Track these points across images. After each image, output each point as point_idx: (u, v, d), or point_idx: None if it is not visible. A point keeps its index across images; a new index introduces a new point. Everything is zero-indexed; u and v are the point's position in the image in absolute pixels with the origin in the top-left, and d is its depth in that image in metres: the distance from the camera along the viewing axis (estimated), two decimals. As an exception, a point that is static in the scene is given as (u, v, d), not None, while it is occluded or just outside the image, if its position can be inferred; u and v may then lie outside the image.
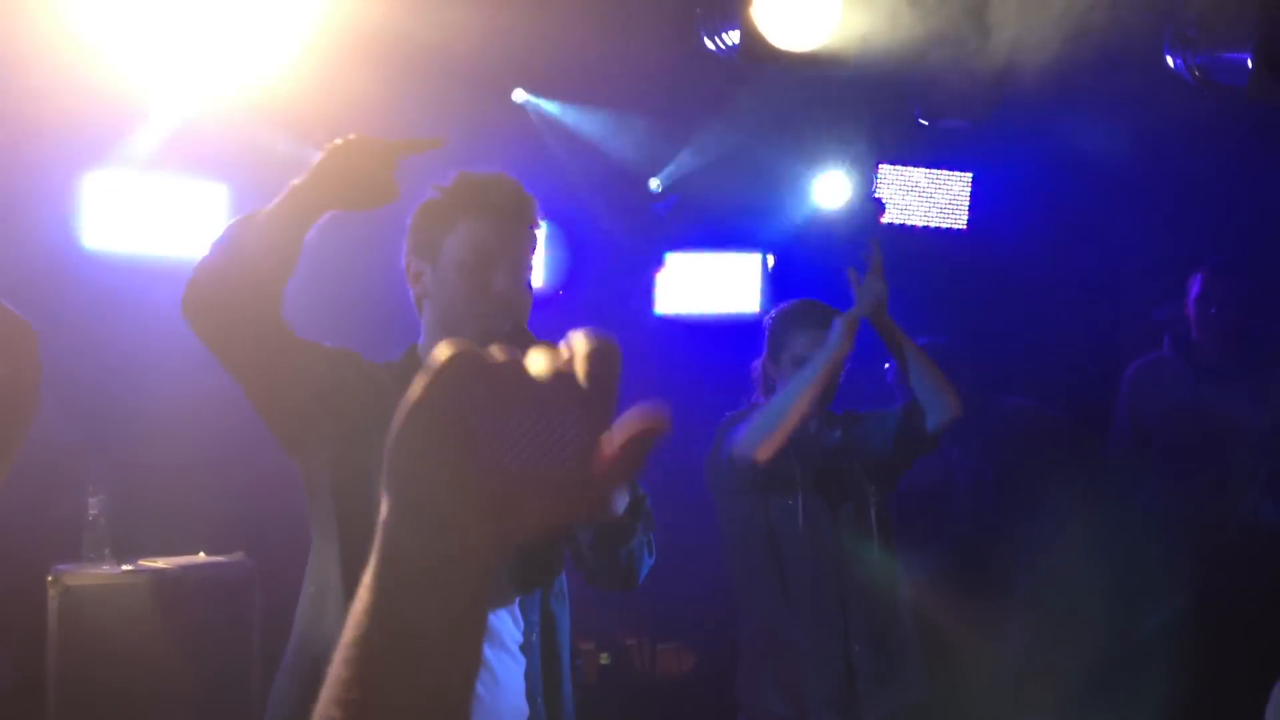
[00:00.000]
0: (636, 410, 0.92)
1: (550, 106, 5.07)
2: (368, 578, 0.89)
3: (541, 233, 2.44)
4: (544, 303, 5.48)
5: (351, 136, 2.20)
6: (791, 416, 3.20)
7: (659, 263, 5.83)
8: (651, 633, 5.58)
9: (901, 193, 6.09)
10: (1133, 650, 4.24)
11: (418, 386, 0.91)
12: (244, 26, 4.01)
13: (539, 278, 5.39)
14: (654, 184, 5.54)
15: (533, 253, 2.39)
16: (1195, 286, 4.68)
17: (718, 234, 5.89)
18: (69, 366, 4.54)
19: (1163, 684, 3.84)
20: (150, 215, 4.71)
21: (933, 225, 6.14)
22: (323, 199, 2.17)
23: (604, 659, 5.36)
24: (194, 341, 4.70)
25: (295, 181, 2.21)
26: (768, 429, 3.21)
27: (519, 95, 5.10)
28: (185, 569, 4.37)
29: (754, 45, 3.70)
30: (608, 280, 5.68)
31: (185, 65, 4.20)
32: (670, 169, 5.42)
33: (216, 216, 4.72)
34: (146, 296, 4.68)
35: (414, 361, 2.41)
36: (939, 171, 6.10)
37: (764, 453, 3.20)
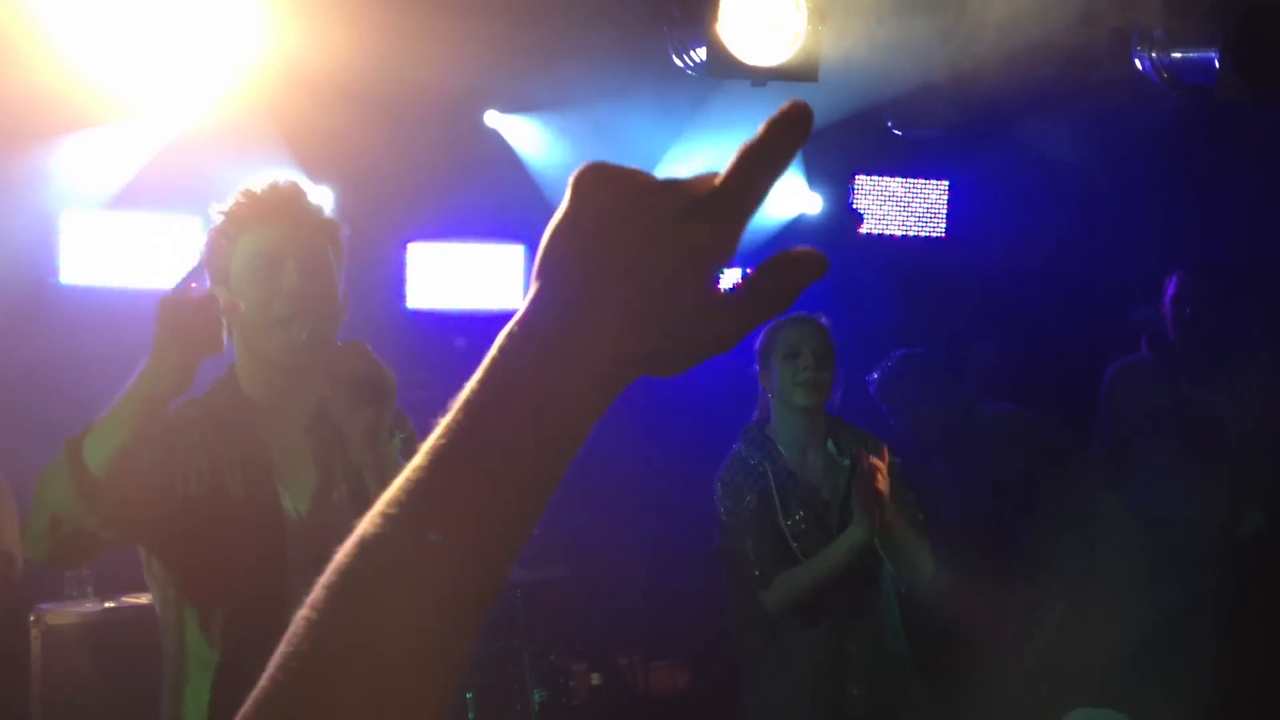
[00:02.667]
0: (789, 250, 0.87)
1: (522, 127, 5.08)
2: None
3: (342, 237, 2.34)
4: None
5: (168, 299, 2.10)
6: (819, 587, 3.22)
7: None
8: (644, 650, 5.56)
9: (879, 203, 6.11)
10: (1143, 649, 4.23)
11: (563, 203, 0.86)
12: (215, 61, 4.02)
13: (518, 297, 5.44)
14: None
15: (328, 256, 2.30)
16: (1171, 287, 4.68)
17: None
18: (46, 401, 4.55)
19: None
20: (126, 250, 4.72)
21: (911, 234, 6.17)
22: (172, 388, 2.10)
23: (595, 679, 5.34)
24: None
25: (138, 385, 2.10)
26: (796, 598, 3.22)
27: (491, 118, 5.12)
28: (169, 604, 4.34)
29: (720, 60, 3.70)
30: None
31: (158, 100, 4.21)
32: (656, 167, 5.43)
33: (190, 247, 4.73)
34: (125, 330, 4.68)
35: (232, 383, 2.32)
36: (916, 181, 6.13)
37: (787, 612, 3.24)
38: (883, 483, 3.16)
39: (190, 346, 2.10)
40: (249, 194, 2.27)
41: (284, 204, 2.25)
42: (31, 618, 4.11)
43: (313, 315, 2.21)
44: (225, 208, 2.28)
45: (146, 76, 3.98)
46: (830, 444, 3.41)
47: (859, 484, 3.17)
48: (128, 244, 4.72)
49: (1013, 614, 4.48)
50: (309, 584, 0.80)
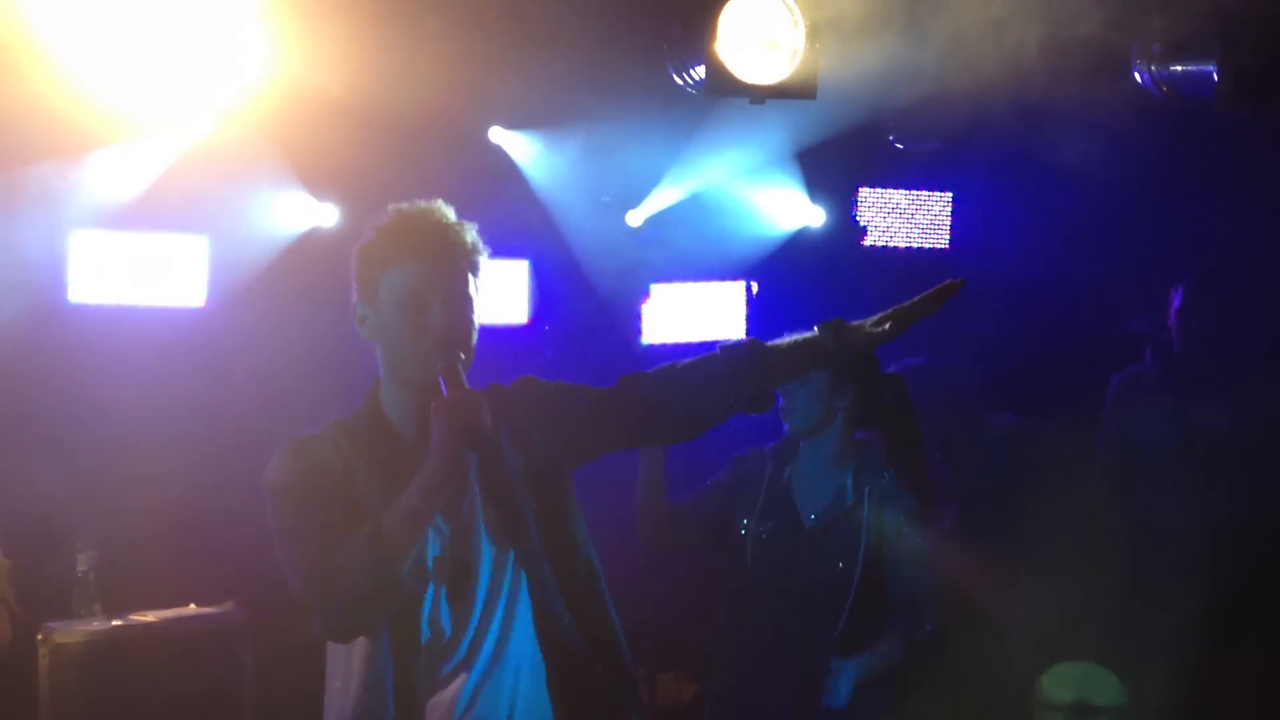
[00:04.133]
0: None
1: (526, 144, 5.11)
2: None
3: (483, 261, 2.40)
4: (530, 337, 5.58)
5: (443, 401, 2.22)
6: None
7: (644, 294, 5.86)
8: (650, 661, 5.56)
9: (882, 215, 6.13)
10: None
11: None
12: (221, 80, 4.06)
13: (522, 312, 5.48)
14: (633, 218, 5.57)
15: (469, 285, 2.36)
16: (1177, 299, 4.70)
17: (700, 263, 5.93)
18: (55, 422, 4.59)
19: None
20: (134, 270, 4.76)
21: (915, 246, 6.18)
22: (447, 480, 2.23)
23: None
24: (180, 394, 4.77)
25: (424, 484, 2.21)
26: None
27: (495, 134, 5.15)
28: (175, 622, 4.38)
29: (719, 79, 3.74)
30: (594, 313, 5.71)
31: (165, 119, 4.26)
32: (649, 201, 5.45)
33: (198, 267, 4.78)
34: (133, 349, 4.73)
35: (374, 404, 2.41)
36: (919, 192, 6.15)
37: None
38: None
39: (465, 442, 2.21)
40: (403, 221, 2.33)
41: (433, 242, 2.32)
42: (39, 636, 4.14)
43: (456, 350, 2.29)
44: (379, 227, 2.36)
45: (153, 96, 4.02)
46: (849, 480, 3.44)
47: None
48: (135, 263, 4.76)
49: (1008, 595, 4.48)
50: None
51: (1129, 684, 3.82)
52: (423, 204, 2.36)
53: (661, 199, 5.46)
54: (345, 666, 2.32)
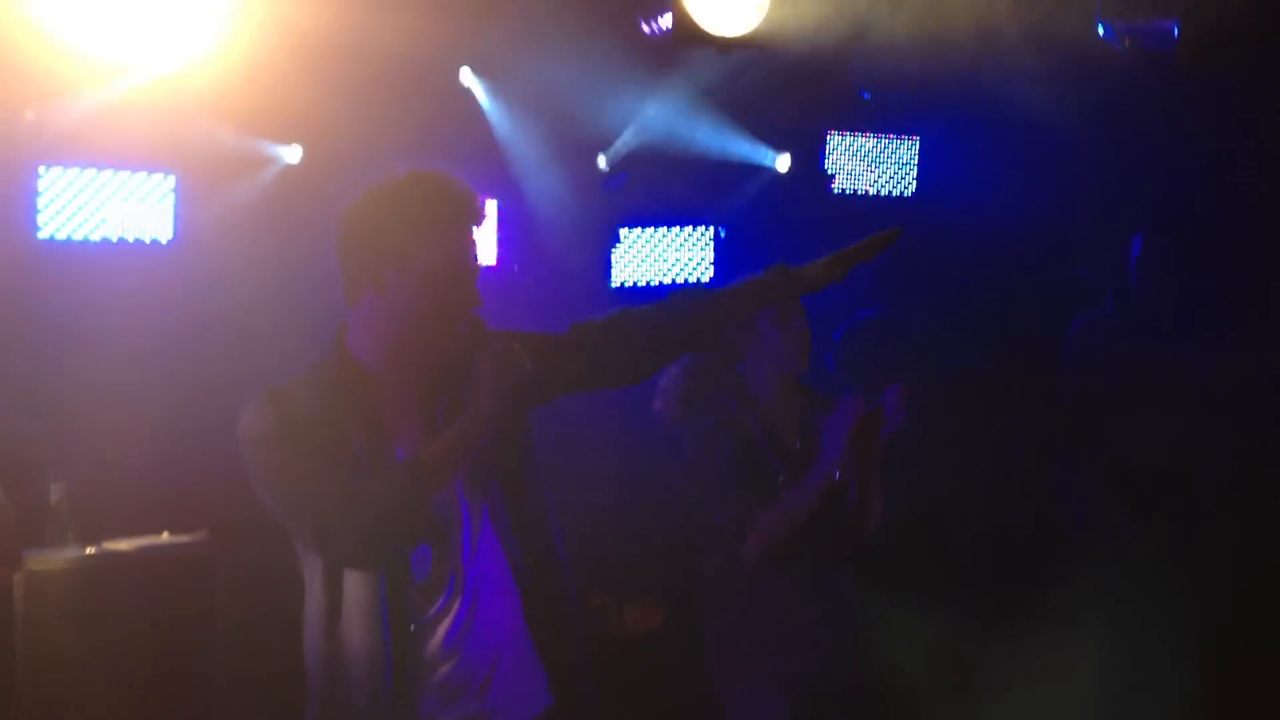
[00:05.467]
0: None
1: (495, 87, 5.14)
2: None
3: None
4: (498, 279, 5.64)
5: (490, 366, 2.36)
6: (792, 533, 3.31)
7: (613, 238, 5.92)
8: (617, 590, 5.65)
9: (850, 160, 6.17)
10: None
11: None
12: (188, 18, 4.07)
13: (490, 254, 5.53)
14: (601, 162, 5.61)
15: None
16: (1136, 246, 4.79)
17: (670, 208, 5.98)
18: (27, 355, 4.63)
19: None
20: (103, 206, 4.79)
21: (882, 193, 6.23)
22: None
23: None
24: (149, 326, 4.82)
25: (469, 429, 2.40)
26: (779, 544, 3.30)
27: (465, 76, 5.17)
28: (149, 550, 4.45)
29: (686, 29, 3.77)
30: (563, 256, 5.77)
31: (132, 58, 4.26)
32: (617, 146, 5.49)
33: (164, 205, 4.82)
34: (102, 283, 4.77)
35: (342, 349, 2.47)
36: (887, 137, 6.19)
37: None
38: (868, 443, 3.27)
39: (514, 390, 2.37)
40: (438, 189, 2.42)
41: (462, 211, 2.44)
42: (13, 564, 4.21)
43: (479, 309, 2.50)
44: (407, 190, 2.41)
45: (121, 34, 4.04)
46: (804, 399, 3.52)
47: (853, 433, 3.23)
48: (104, 199, 4.79)
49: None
50: None
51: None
52: (437, 172, 2.44)
53: (630, 142, 5.50)
54: (328, 608, 2.40)
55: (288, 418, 2.34)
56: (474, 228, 2.45)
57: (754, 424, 3.40)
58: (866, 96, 5.38)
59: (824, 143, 6.07)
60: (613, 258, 5.92)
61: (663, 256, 6.00)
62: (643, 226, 5.95)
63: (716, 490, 3.37)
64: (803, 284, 2.65)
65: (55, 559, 4.31)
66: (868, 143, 6.16)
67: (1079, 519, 4.91)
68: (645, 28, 3.91)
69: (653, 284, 5.97)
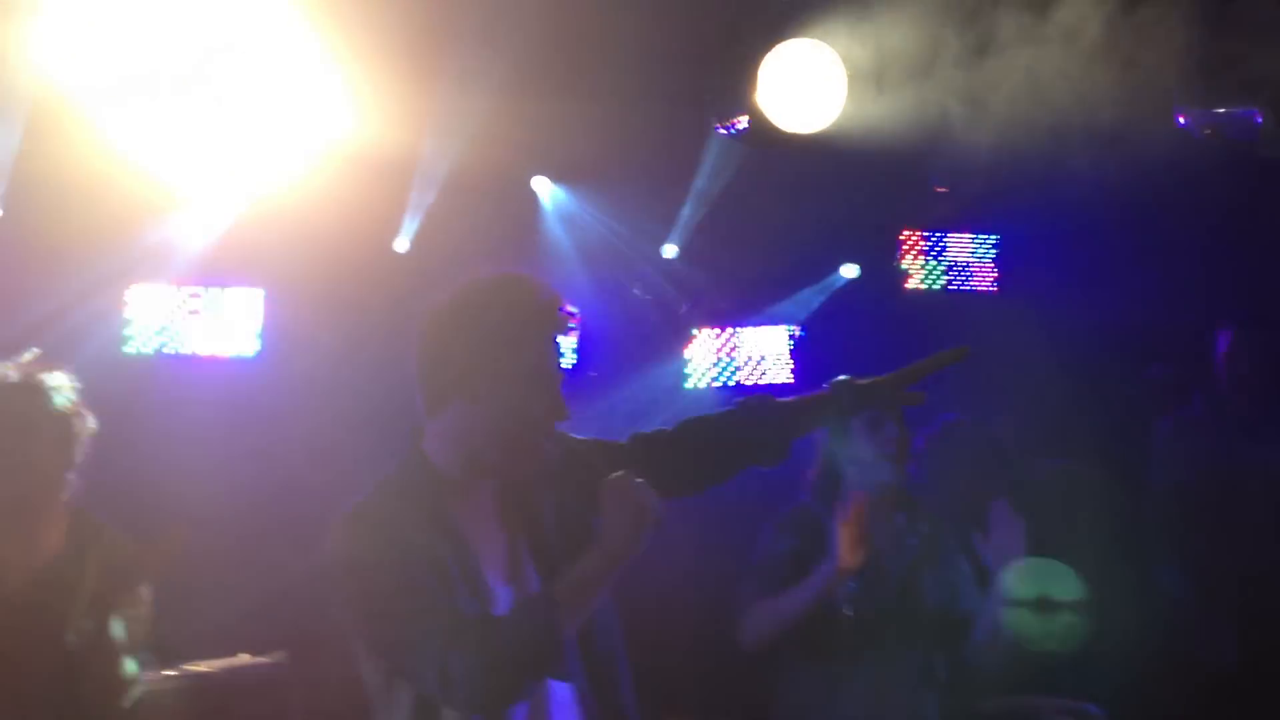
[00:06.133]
0: None
1: (569, 191, 5.20)
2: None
3: None
4: (575, 382, 5.61)
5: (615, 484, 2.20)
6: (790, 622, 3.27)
7: (687, 338, 5.90)
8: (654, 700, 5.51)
9: (926, 258, 6.12)
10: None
11: None
12: (270, 138, 4.17)
13: (569, 359, 5.52)
14: (668, 250, 5.60)
15: None
16: (1223, 343, 4.67)
17: (745, 308, 5.95)
18: (109, 473, 4.66)
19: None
20: (192, 322, 4.88)
21: (959, 289, 6.16)
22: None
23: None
24: (231, 444, 4.85)
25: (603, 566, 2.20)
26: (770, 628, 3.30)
27: (539, 183, 5.22)
28: (228, 672, 4.42)
29: (761, 130, 3.77)
30: (638, 359, 5.75)
31: (221, 180, 4.38)
32: (682, 231, 5.49)
33: (254, 319, 4.88)
34: (184, 399, 4.82)
35: (420, 454, 2.36)
36: (964, 235, 6.13)
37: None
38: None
39: (651, 525, 2.19)
40: (544, 295, 2.32)
41: (563, 319, 2.33)
42: (95, 685, 4.18)
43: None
44: (525, 296, 2.33)
45: (216, 157, 4.15)
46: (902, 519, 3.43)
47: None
48: (190, 315, 4.87)
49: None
50: None
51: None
52: (524, 274, 2.37)
53: (697, 231, 5.49)
54: None
55: (381, 537, 2.22)
56: (562, 335, 2.33)
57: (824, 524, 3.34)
58: (942, 190, 5.33)
59: (899, 240, 6.02)
60: (687, 359, 5.89)
61: (739, 357, 5.96)
62: (718, 327, 5.92)
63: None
64: (869, 399, 2.56)
65: (136, 680, 4.29)
66: (945, 240, 6.11)
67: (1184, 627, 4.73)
68: (721, 130, 3.91)
69: (729, 384, 5.91)
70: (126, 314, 4.80)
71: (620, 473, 2.20)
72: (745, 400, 2.57)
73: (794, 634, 3.32)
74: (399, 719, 2.26)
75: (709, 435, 2.53)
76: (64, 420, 2.82)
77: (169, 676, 4.32)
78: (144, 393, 4.80)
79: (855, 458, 3.37)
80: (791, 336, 6.02)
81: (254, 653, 4.56)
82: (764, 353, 5.98)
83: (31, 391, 2.83)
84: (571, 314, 2.33)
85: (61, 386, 2.84)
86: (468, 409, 2.29)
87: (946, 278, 6.13)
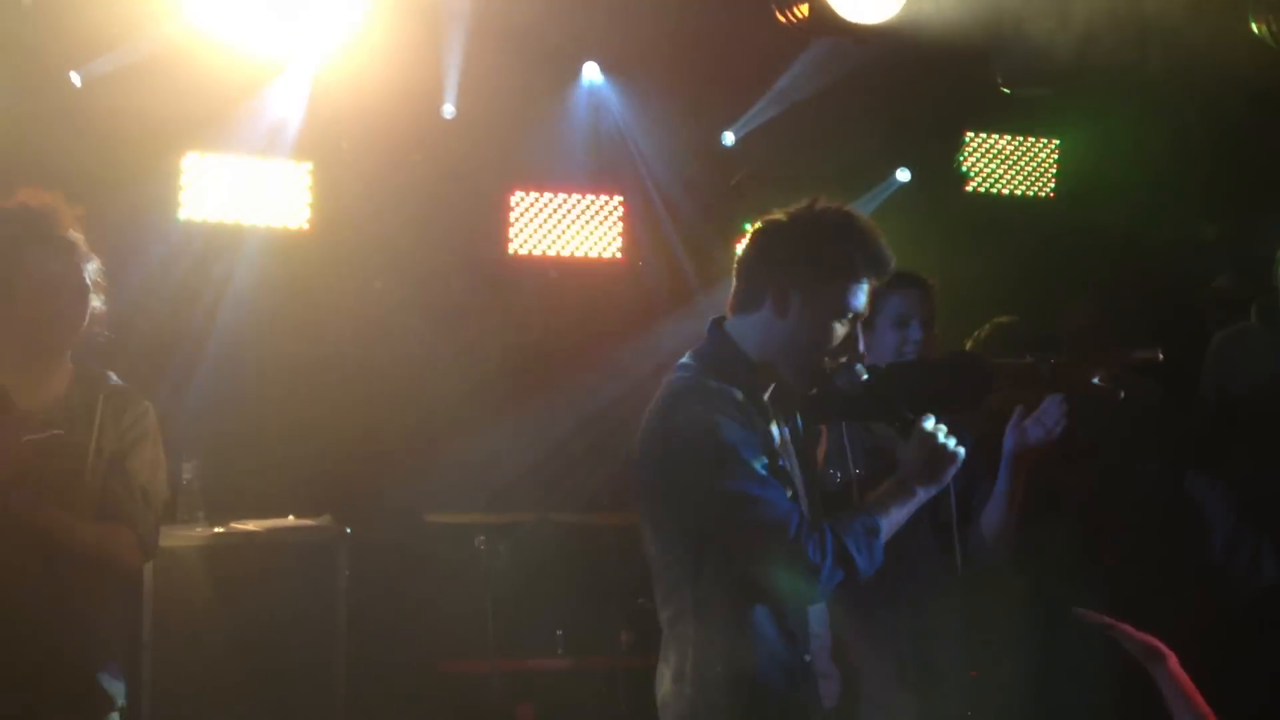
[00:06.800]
0: None
1: (622, 81, 5.13)
2: None
3: None
4: (623, 273, 5.63)
5: None
6: None
7: (739, 231, 5.86)
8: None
9: (987, 160, 6.02)
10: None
11: None
12: (320, 13, 4.16)
13: (618, 250, 5.53)
14: (728, 137, 5.53)
15: None
16: (1286, 256, 4.56)
17: (796, 204, 5.89)
18: (165, 335, 4.76)
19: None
20: (241, 191, 4.90)
21: (1020, 194, 6.06)
22: None
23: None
24: (281, 316, 4.92)
25: None
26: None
27: (591, 70, 5.16)
28: (275, 532, 4.54)
29: (824, 18, 3.70)
30: (690, 250, 5.74)
31: (276, 52, 4.37)
32: (743, 122, 5.41)
33: (300, 191, 4.91)
34: (238, 266, 4.88)
35: (739, 353, 2.46)
36: (1026, 139, 6.01)
37: None
38: None
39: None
40: (878, 244, 2.43)
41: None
42: (146, 540, 4.31)
43: None
44: (852, 228, 2.44)
45: (267, 33, 4.14)
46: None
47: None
48: (243, 184, 4.91)
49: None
50: None
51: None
52: (870, 222, 2.47)
53: (757, 120, 5.41)
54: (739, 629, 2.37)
55: (723, 414, 2.32)
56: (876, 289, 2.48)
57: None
58: (1007, 92, 5.21)
59: (961, 142, 5.91)
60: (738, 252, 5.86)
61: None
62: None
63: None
64: (1067, 385, 2.71)
65: (185, 536, 4.42)
66: (1006, 143, 5.99)
67: (1216, 543, 4.70)
68: (780, 17, 3.84)
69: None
70: (182, 181, 4.83)
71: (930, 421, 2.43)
72: (954, 355, 2.79)
73: None
74: (705, 592, 2.37)
75: (916, 383, 2.64)
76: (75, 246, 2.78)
77: (219, 533, 4.46)
78: (197, 260, 4.87)
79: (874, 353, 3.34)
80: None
81: (300, 515, 4.68)
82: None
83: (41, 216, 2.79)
84: (892, 274, 2.47)
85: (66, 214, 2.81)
86: (773, 319, 2.43)
87: (1006, 181, 6.03)
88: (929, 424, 2.44)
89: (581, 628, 5.22)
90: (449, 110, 4.94)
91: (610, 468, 5.47)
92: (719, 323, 2.51)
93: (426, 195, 5.08)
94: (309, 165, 4.93)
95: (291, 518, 4.67)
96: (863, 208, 5.95)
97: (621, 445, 5.62)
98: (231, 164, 4.87)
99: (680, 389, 2.39)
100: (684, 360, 2.49)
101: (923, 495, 2.44)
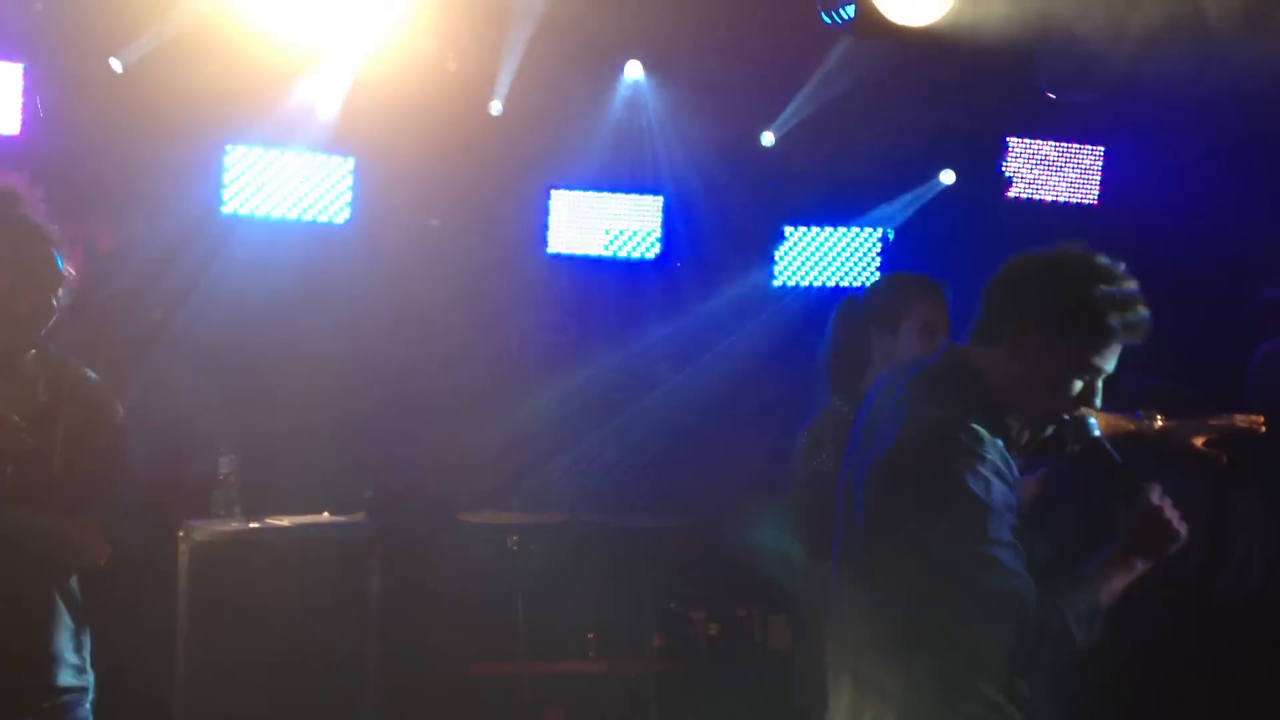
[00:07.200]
0: None
1: (664, 79, 5.11)
2: None
3: None
4: (662, 272, 5.61)
5: None
6: None
7: (779, 236, 5.83)
8: (764, 604, 5.59)
9: (1030, 166, 5.96)
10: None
11: None
12: (364, 5, 4.16)
13: (655, 250, 5.51)
14: (767, 137, 5.50)
15: None
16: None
17: (837, 208, 5.86)
18: (204, 329, 4.77)
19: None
20: (285, 185, 4.92)
21: (1062, 200, 6.00)
22: None
23: (713, 629, 5.41)
24: (320, 309, 4.92)
25: None
26: None
27: (633, 68, 5.14)
28: (309, 528, 4.55)
29: (869, 19, 3.65)
30: (726, 252, 5.71)
31: (316, 45, 4.37)
32: (782, 121, 5.38)
33: (342, 186, 4.92)
34: (279, 261, 4.89)
35: (985, 392, 2.36)
36: (1070, 145, 5.95)
37: None
38: None
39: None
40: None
41: None
42: (180, 533, 4.33)
43: None
44: (1118, 299, 2.30)
45: (312, 26, 4.14)
46: None
47: None
48: (285, 179, 4.92)
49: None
50: None
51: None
52: (1135, 289, 2.34)
53: (796, 118, 5.38)
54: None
55: (981, 465, 2.17)
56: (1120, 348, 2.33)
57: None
58: (1052, 97, 5.16)
59: (1004, 146, 5.86)
60: (776, 257, 5.83)
61: (828, 257, 5.89)
62: (809, 225, 5.84)
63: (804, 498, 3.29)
64: (1168, 444, 2.68)
65: (219, 530, 4.44)
66: (1049, 149, 5.93)
67: (1255, 561, 4.62)
68: (826, 18, 3.79)
69: (815, 286, 5.85)
70: (225, 176, 4.85)
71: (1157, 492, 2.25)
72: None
73: None
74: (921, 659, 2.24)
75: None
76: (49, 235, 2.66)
77: (254, 528, 4.47)
78: (239, 254, 4.88)
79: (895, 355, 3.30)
80: (882, 240, 5.92)
81: (335, 512, 4.69)
82: (854, 255, 5.91)
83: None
84: (1143, 336, 2.30)
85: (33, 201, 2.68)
86: (1010, 358, 2.30)
87: (1049, 187, 5.97)
88: (1156, 495, 2.26)
89: (613, 631, 5.19)
90: (496, 107, 4.93)
91: (645, 470, 5.46)
92: (957, 347, 2.40)
93: (467, 192, 5.08)
94: (352, 159, 4.94)
95: (326, 514, 4.68)
96: (904, 210, 5.93)
97: (656, 447, 5.67)
98: (274, 158, 4.88)
99: (946, 432, 2.19)
100: (911, 378, 2.36)
101: (1141, 569, 2.27)
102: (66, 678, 2.62)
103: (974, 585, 2.15)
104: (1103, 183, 6.01)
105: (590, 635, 5.20)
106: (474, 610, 4.96)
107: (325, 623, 4.43)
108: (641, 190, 5.49)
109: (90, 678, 2.68)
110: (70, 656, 2.63)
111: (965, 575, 2.15)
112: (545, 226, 5.37)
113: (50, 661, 2.60)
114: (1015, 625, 2.14)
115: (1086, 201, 6.02)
